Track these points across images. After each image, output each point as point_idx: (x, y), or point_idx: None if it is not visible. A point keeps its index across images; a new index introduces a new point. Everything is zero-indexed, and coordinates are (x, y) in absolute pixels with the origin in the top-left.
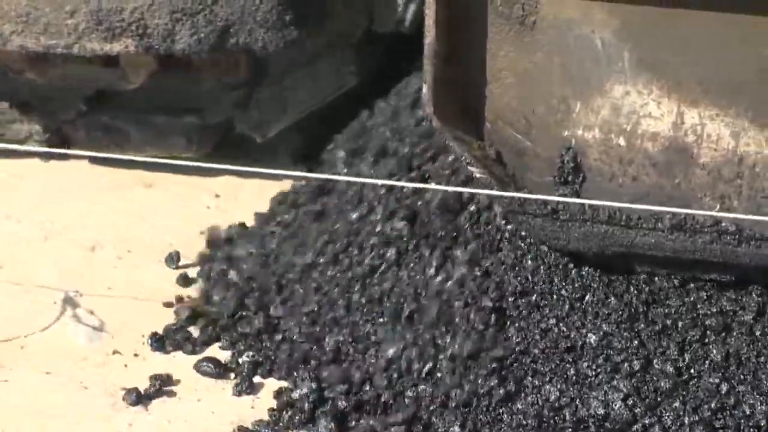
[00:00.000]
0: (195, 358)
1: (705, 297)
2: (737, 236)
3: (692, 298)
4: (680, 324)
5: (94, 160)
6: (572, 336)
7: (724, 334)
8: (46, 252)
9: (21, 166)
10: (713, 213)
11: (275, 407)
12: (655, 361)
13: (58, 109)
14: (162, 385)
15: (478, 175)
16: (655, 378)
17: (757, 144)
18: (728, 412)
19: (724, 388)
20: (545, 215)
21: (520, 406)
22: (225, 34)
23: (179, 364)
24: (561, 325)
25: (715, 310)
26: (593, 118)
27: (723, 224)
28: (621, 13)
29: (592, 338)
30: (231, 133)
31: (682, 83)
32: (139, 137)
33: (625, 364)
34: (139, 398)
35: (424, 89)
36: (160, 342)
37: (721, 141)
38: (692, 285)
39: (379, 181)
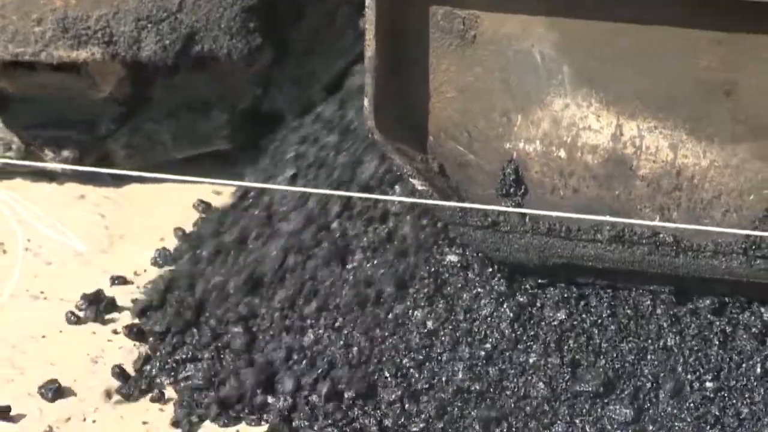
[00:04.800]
0: None
1: None
2: (675, 247)
3: None
4: None
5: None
6: None
7: None
8: None
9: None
10: (650, 223)
11: None
12: None
13: None
14: None
15: (420, 188)
16: None
17: (694, 156)
18: None
19: None
20: (486, 227)
21: None
22: (190, 41)
23: None
24: None
25: None
26: (534, 131)
27: (661, 235)
28: (560, 28)
29: None
30: None
31: (621, 96)
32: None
33: None
34: None
35: (366, 102)
36: None
37: (659, 153)
38: None
39: (326, 191)
